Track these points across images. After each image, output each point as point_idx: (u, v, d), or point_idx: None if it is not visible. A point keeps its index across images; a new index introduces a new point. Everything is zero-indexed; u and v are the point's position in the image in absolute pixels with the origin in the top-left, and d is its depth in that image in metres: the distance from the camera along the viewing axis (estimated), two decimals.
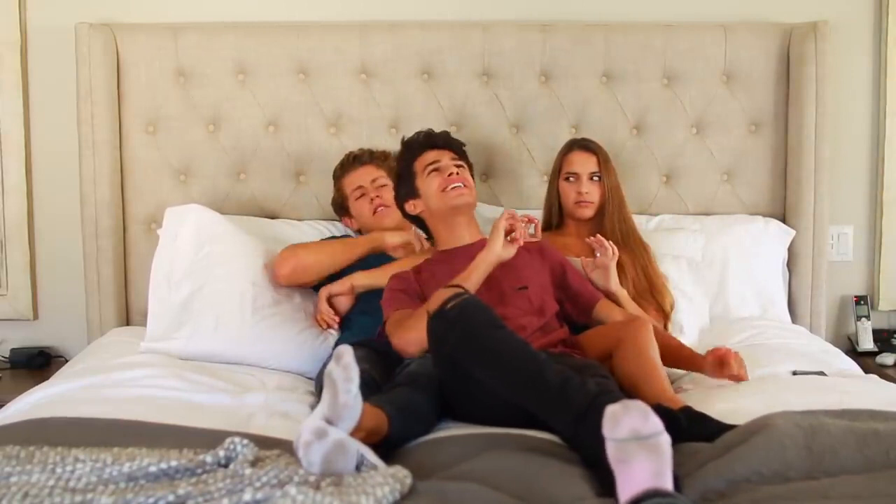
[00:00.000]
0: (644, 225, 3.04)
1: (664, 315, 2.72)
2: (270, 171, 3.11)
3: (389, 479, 1.58)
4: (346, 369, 1.72)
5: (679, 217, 3.14)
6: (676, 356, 2.42)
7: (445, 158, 2.56)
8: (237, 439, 1.76)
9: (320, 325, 2.73)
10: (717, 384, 2.42)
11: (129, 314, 3.09)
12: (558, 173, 2.83)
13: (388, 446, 1.89)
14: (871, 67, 3.24)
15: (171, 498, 1.56)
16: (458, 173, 2.53)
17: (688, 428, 1.88)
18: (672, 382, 2.50)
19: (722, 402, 2.19)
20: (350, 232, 2.99)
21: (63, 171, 3.13)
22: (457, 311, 2.00)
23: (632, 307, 2.61)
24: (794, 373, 2.45)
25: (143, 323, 2.77)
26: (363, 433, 1.79)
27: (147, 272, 2.78)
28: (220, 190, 3.09)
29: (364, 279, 2.70)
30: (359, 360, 1.77)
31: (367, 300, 2.67)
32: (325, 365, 2.49)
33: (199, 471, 1.69)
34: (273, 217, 3.11)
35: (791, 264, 3.15)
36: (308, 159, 3.11)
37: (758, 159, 3.17)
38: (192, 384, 2.34)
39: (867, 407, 2.00)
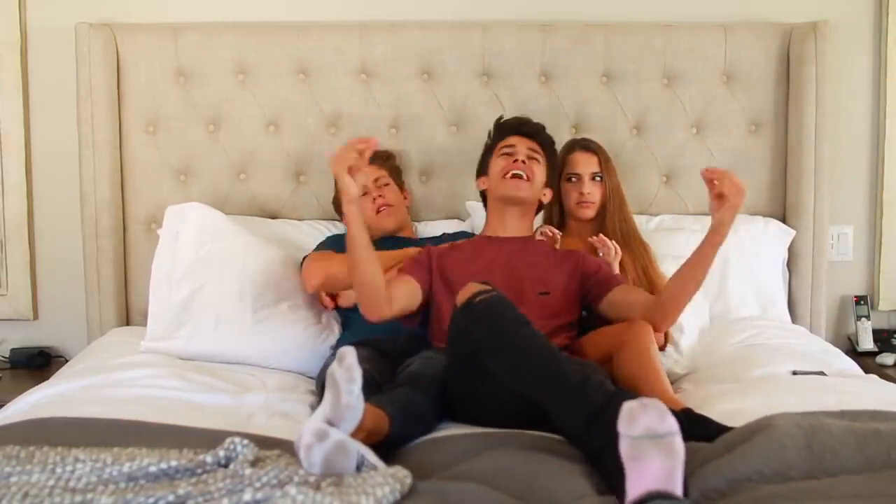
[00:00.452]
0: (644, 225, 3.04)
1: None
2: (270, 171, 3.11)
3: (389, 479, 1.58)
4: (349, 370, 1.72)
5: (679, 217, 3.14)
6: (685, 270, 2.36)
7: (523, 146, 2.60)
8: (237, 439, 1.76)
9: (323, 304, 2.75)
10: (717, 385, 2.42)
11: (129, 314, 3.10)
12: (559, 174, 2.83)
13: (388, 446, 1.89)
14: (871, 67, 3.24)
15: (171, 498, 1.56)
16: (524, 162, 2.56)
17: (688, 429, 1.88)
18: (672, 383, 2.50)
19: (722, 403, 2.19)
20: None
21: (63, 171, 3.13)
22: (484, 306, 2.01)
23: (636, 289, 2.60)
24: (794, 373, 2.45)
25: (143, 323, 2.77)
26: (364, 433, 1.79)
27: (147, 272, 2.78)
28: (220, 190, 3.09)
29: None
30: (360, 359, 1.77)
31: None
32: (325, 365, 2.51)
33: (199, 471, 1.69)
34: (273, 217, 3.11)
35: (791, 264, 3.15)
36: (308, 159, 3.11)
37: (758, 159, 3.17)
38: (192, 384, 2.33)
39: (867, 407, 2.00)
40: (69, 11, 3.07)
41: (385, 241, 2.83)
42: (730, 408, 2.14)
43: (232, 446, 1.74)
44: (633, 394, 1.92)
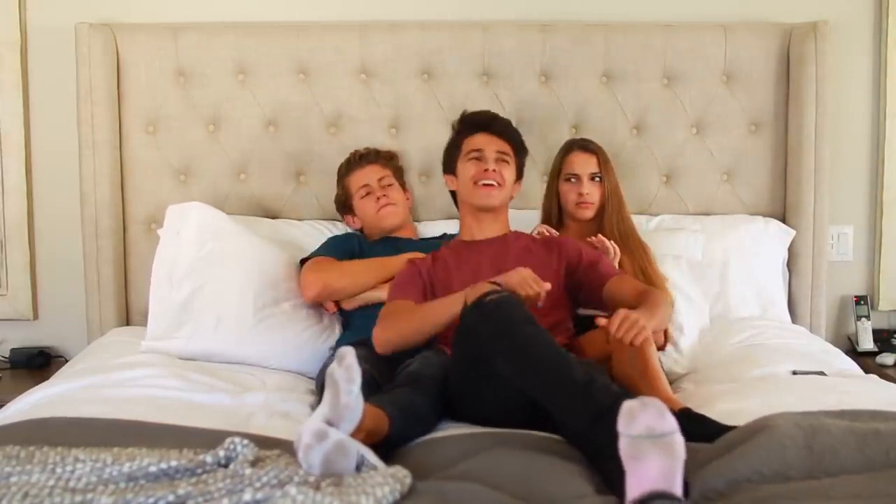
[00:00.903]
0: (644, 225, 3.04)
1: None
2: (270, 171, 3.11)
3: (389, 479, 1.58)
4: (349, 370, 1.72)
5: (679, 217, 3.14)
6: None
7: (491, 149, 2.55)
8: (237, 439, 1.76)
9: None
10: (717, 384, 2.42)
11: (129, 314, 3.10)
12: (558, 174, 2.83)
13: (388, 446, 1.89)
14: (871, 67, 3.24)
15: (171, 498, 1.56)
16: (495, 169, 2.52)
17: (687, 429, 1.88)
18: (671, 383, 2.50)
19: (722, 403, 2.19)
20: (349, 229, 2.99)
21: (63, 171, 3.13)
22: (494, 305, 2.01)
23: (630, 279, 2.60)
24: (794, 373, 2.45)
25: (143, 323, 2.77)
26: (364, 433, 1.79)
27: (147, 272, 2.78)
28: (220, 190, 3.09)
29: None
30: (359, 359, 1.77)
31: None
32: (325, 365, 2.51)
33: (199, 471, 1.69)
34: (273, 217, 3.11)
35: (791, 264, 3.15)
36: (308, 159, 3.11)
37: (758, 159, 3.17)
38: (192, 384, 2.33)
39: (867, 407, 2.00)
40: (69, 11, 3.08)
41: (385, 242, 2.84)
42: (729, 408, 2.14)
43: (232, 446, 1.74)
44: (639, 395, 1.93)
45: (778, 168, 3.17)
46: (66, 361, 2.88)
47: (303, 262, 2.81)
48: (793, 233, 3.11)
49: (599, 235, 2.66)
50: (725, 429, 1.91)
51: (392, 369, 2.37)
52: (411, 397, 2.05)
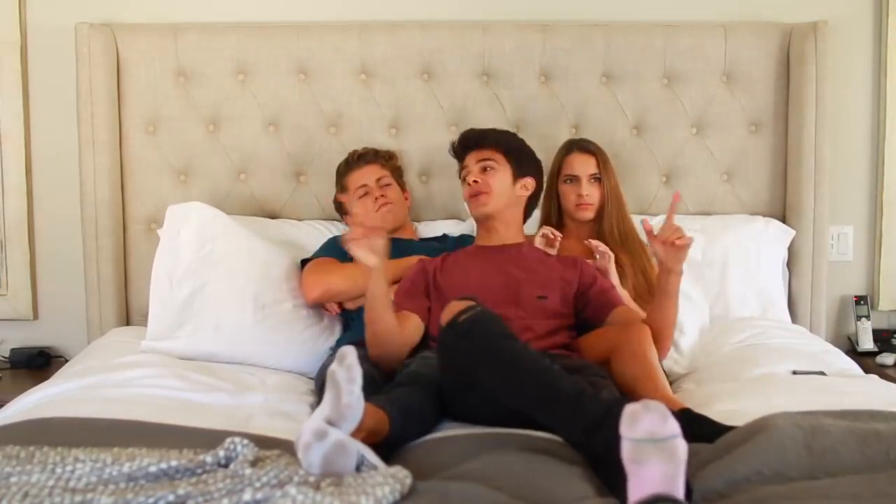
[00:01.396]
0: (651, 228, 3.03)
1: None
2: (270, 171, 3.11)
3: (389, 479, 1.58)
4: (350, 370, 1.72)
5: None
6: (658, 310, 2.38)
7: (472, 163, 2.58)
8: (237, 439, 1.75)
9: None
10: (717, 384, 2.42)
11: (129, 314, 3.10)
12: (557, 174, 2.83)
13: (388, 446, 1.89)
14: (871, 67, 3.24)
15: (171, 498, 1.56)
16: (477, 180, 2.54)
17: (688, 429, 1.88)
18: (671, 383, 2.50)
19: (721, 403, 2.19)
20: (349, 229, 2.99)
21: (63, 171, 3.13)
22: (469, 324, 1.99)
23: (633, 307, 2.61)
24: (794, 373, 2.45)
25: (143, 323, 2.77)
26: (364, 433, 1.79)
27: (147, 272, 2.78)
28: (220, 190, 3.09)
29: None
30: (360, 359, 1.77)
31: None
32: (324, 365, 2.51)
33: (199, 471, 1.69)
34: (273, 217, 3.11)
35: (791, 264, 3.15)
36: (308, 159, 3.11)
37: (758, 159, 3.17)
38: (192, 384, 2.33)
39: (867, 407, 2.00)
40: (69, 11, 3.08)
41: (391, 243, 2.82)
42: (729, 408, 2.14)
43: (232, 446, 1.74)
44: (631, 400, 1.92)
45: (778, 168, 3.17)
46: (66, 361, 2.88)
47: (304, 262, 2.81)
48: (793, 233, 3.11)
49: (593, 241, 2.65)
50: (725, 429, 1.91)
51: (392, 369, 2.37)
52: (411, 397, 2.05)
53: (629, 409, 1.52)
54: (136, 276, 3.07)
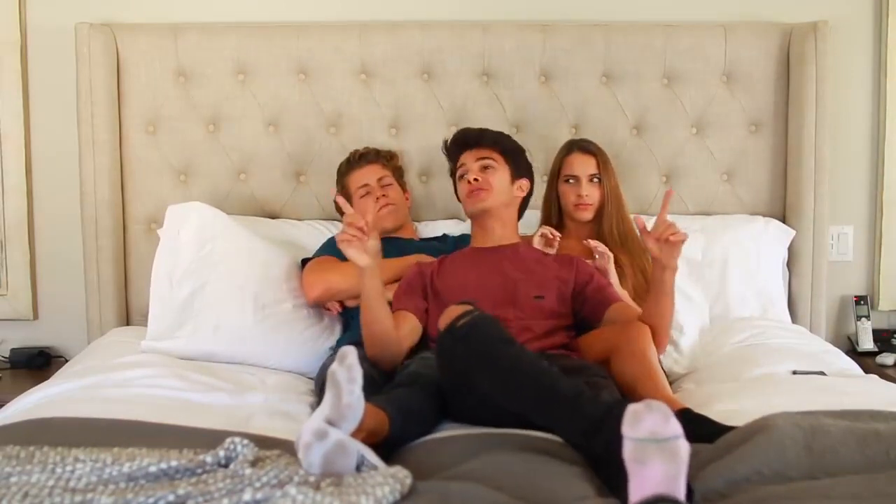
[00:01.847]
0: (644, 225, 3.03)
1: None
2: (270, 171, 3.11)
3: (389, 479, 1.58)
4: (350, 370, 1.72)
5: (679, 217, 3.13)
6: (654, 306, 2.37)
7: (471, 161, 2.58)
8: (237, 439, 1.75)
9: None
10: (717, 384, 2.42)
11: (129, 314, 3.10)
12: (557, 175, 2.83)
13: (388, 447, 1.89)
14: (871, 67, 3.24)
15: (171, 498, 1.56)
16: (477, 178, 2.53)
17: (688, 430, 1.88)
18: (671, 383, 2.50)
19: (721, 403, 2.19)
20: None
21: (63, 171, 3.13)
22: (467, 329, 1.98)
23: (630, 304, 2.61)
24: (794, 373, 2.45)
25: (143, 323, 2.77)
26: (364, 433, 1.79)
27: (147, 272, 2.78)
28: (220, 190, 3.09)
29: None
30: (360, 359, 1.77)
31: None
32: (324, 365, 2.51)
33: (199, 471, 1.69)
34: (273, 217, 3.11)
35: (791, 264, 3.15)
36: (308, 159, 3.11)
37: (758, 159, 3.17)
38: (192, 384, 2.33)
39: (867, 407, 2.00)
40: (69, 11, 3.08)
41: (386, 243, 2.83)
42: (729, 408, 2.14)
43: (232, 446, 1.74)
44: (629, 401, 1.92)
45: (778, 168, 3.17)
46: (66, 361, 2.88)
47: (304, 262, 2.81)
48: (793, 233, 3.11)
49: (592, 241, 2.65)
50: (726, 429, 1.91)
51: (392, 369, 2.37)
52: (411, 398, 2.05)
53: (631, 409, 1.52)
54: (136, 276, 3.07)
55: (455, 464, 1.76)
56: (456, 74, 3.10)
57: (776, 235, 3.10)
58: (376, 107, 3.11)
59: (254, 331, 2.65)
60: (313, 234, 3.00)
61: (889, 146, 3.23)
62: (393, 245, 2.81)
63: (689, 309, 2.81)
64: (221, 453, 1.73)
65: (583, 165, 2.79)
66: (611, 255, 2.63)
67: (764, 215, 3.16)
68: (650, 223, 3.07)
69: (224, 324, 2.63)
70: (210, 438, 1.84)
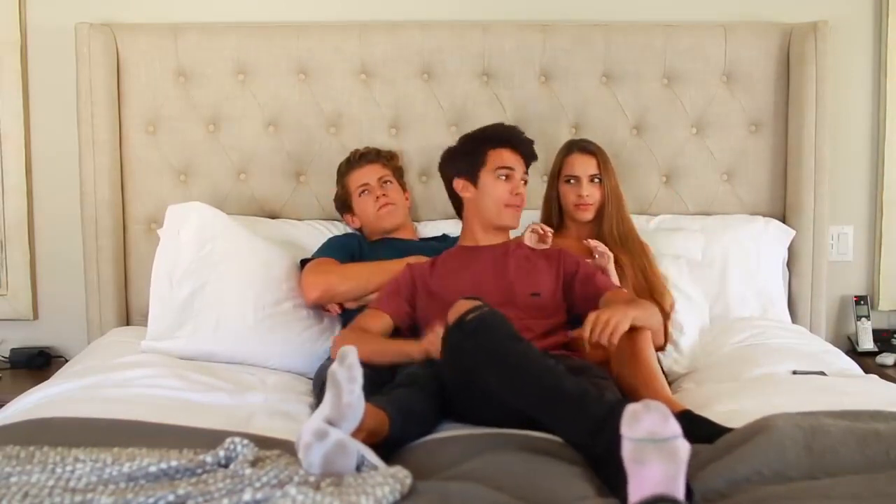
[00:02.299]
0: (644, 225, 3.04)
1: (664, 315, 2.72)
2: (270, 171, 3.11)
3: (389, 479, 1.58)
4: (350, 370, 1.72)
5: (679, 217, 3.14)
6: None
7: (520, 170, 2.55)
8: (237, 439, 1.75)
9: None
10: (717, 384, 2.42)
11: (129, 314, 3.10)
12: (558, 175, 2.83)
13: (388, 447, 1.88)
14: (871, 67, 3.25)
15: (171, 498, 1.56)
16: (520, 193, 2.53)
17: (688, 431, 1.87)
18: (671, 383, 2.50)
19: (721, 404, 2.19)
20: (349, 229, 2.99)
21: (63, 171, 3.13)
22: (475, 323, 1.98)
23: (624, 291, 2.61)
24: (794, 373, 2.45)
25: (143, 323, 2.77)
26: (364, 433, 1.79)
27: (147, 272, 2.78)
28: (220, 190, 3.09)
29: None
30: (360, 359, 1.76)
31: None
32: (323, 365, 2.51)
33: (199, 471, 1.69)
34: (273, 217, 3.11)
35: (791, 264, 3.15)
36: (308, 159, 3.11)
37: (758, 159, 3.17)
38: (192, 384, 2.33)
39: (867, 407, 2.00)
40: (69, 11, 3.08)
41: (385, 243, 2.83)
42: (729, 408, 2.14)
43: (232, 446, 1.74)
44: (632, 401, 1.92)
45: (778, 168, 3.17)
46: (66, 361, 2.87)
47: (303, 262, 2.81)
48: (793, 233, 3.11)
49: (592, 241, 2.65)
50: (725, 430, 1.91)
51: (392, 369, 2.37)
52: (411, 397, 2.05)
53: (630, 409, 1.52)
54: (136, 276, 3.07)
55: (455, 464, 1.76)
56: (456, 74, 3.10)
57: (776, 235, 3.10)
58: (376, 107, 3.11)
59: (254, 331, 2.65)
60: (313, 234, 3.00)
61: (889, 146, 3.23)
62: (392, 245, 2.81)
63: (689, 309, 2.81)
64: (221, 453, 1.73)
65: (583, 165, 2.79)
66: (610, 254, 2.63)
67: (764, 215, 3.16)
68: (652, 223, 3.09)
69: (224, 324, 2.64)
70: (210, 438, 1.84)
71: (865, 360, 3.05)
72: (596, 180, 2.79)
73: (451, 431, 2.03)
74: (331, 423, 1.68)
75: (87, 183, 3.02)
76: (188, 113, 3.08)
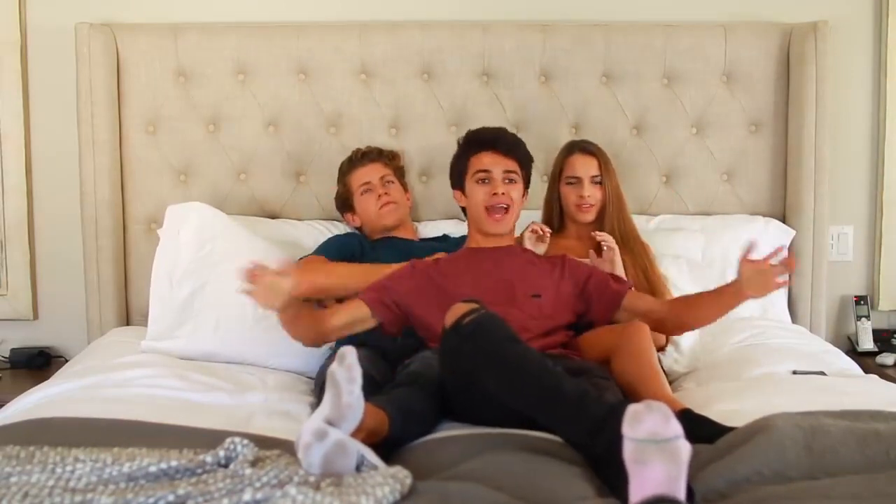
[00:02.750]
0: (644, 225, 3.04)
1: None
2: (270, 171, 3.11)
3: (389, 479, 1.58)
4: (350, 370, 1.72)
5: (679, 217, 3.14)
6: (702, 308, 2.38)
7: (499, 169, 2.49)
8: (237, 439, 1.76)
9: None
10: (717, 384, 2.42)
11: (129, 314, 3.10)
12: (558, 176, 2.83)
13: (388, 446, 1.88)
14: (871, 67, 3.25)
15: (171, 498, 1.56)
16: (504, 192, 2.47)
17: (688, 430, 1.88)
18: (671, 383, 2.50)
19: (721, 404, 2.19)
20: (348, 229, 2.99)
21: (63, 171, 3.13)
22: (473, 326, 1.98)
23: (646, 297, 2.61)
24: (795, 373, 2.45)
25: (143, 323, 2.77)
26: (364, 433, 1.79)
27: (147, 272, 2.78)
28: (220, 190, 3.09)
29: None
30: (360, 359, 1.77)
31: None
32: (323, 365, 2.51)
33: (199, 471, 1.69)
34: (273, 217, 3.11)
35: None
36: (308, 159, 3.11)
37: (758, 159, 3.17)
38: (192, 384, 2.33)
39: (867, 407, 2.00)
40: (69, 11, 3.08)
41: (386, 242, 2.83)
42: (729, 408, 2.14)
43: (232, 446, 1.74)
44: (633, 402, 1.92)
45: (778, 168, 3.17)
46: (66, 361, 2.88)
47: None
48: (793, 233, 3.11)
49: (598, 233, 2.66)
50: (726, 430, 1.91)
51: (392, 369, 2.37)
52: (411, 397, 2.04)
53: (632, 410, 1.52)
54: (136, 276, 3.07)
55: (455, 464, 1.76)
56: (456, 74, 3.10)
57: (776, 235, 3.10)
58: (376, 107, 3.11)
59: (254, 331, 2.65)
60: (313, 234, 3.00)
61: (889, 146, 3.23)
62: (393, 244, 2.81)
63: None
64: (221, 453, 1.73)
65: (585, 166, 2.79)
66: (616, 247, 2.63)
67: (764, 215, 3.16)
68: (652, 223, 3.09)
69: (224, 323, 2.64)
70: (210, 438, 1.84)
71: (865, 360, 3.04)
72: (597, 181, 2.78)
73: (451, 431, 2.03)
74: (330, 423, 1.68)
75: (87, 183, 3.02)
76: (188, 113, 3.08)
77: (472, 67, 3.10)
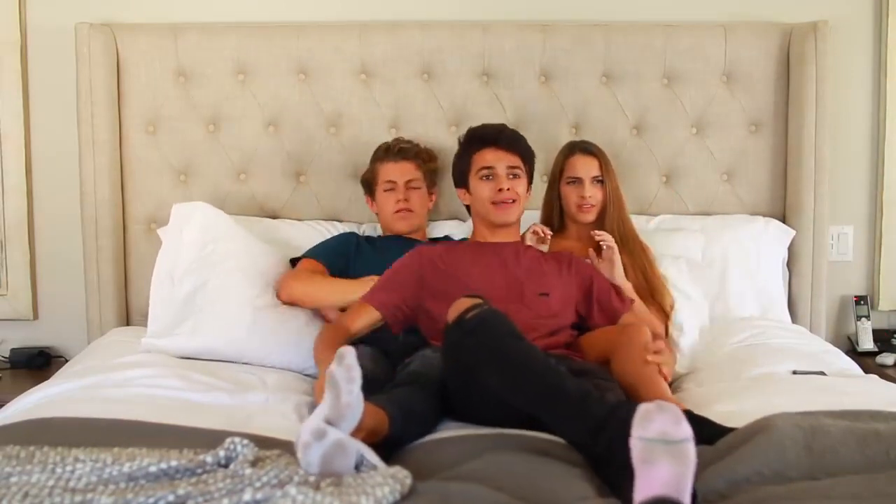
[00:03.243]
0: (644, 225, 3.04)
1: (664, 316, 2.72)
2: (270, 171, 3.11)
3: (389, 479, 1.58)
4: (349, 370, 1.72)
5: (679, 217, 3.14)
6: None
7: (502, 165, 2.53)
8: (237, 439, 1.75)
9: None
10: (717, 384, 2.42)
11: (129, 314, 3.10)
12: (559, 176, 2.83)
13: (388, 446, 1.89)
14: (871, 67, 3.24)
15: (171, 498, 1.56)
16: (509, 188, 2.50)
17: None
18: (672, 383, 2.50)
19: (721, 404, 2.19)
20: (348, 229, 2.99)
21: (63, 171, 3.13)
22: (476, 322, 1.98)
23: (637, 300, 2.61)
24: (794, 372, 2.45)
25: (144, 323, 2.77)
26: (364, 433, 1.79)
27: (147, 272, 2.78)
28: (220, 190, 3.09)
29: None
30: (360, 358, 1.77)
31: None
32: None
33: (199, 471, 1.69)
34: (273, 217, 3.11)
35: (791, 264, 3.15)
36: (308, 159, 3.11)
37: (758, 159, 3.17)
38: (192, 383, 2.33)
39: (867, 407, 2.00)
40: (69, 11, 3.08)
41: (394, 241, 2.83)
42: (729, 408, 2.14)
43: (232, 446, 1.74)
44: (635, 403, 1.92)
45: (778, 168, 3.17)
46: (66, 361, 2.88)
47: (293, 261, 2.82)
48: (793, 233, 3.11)
49: (598, 231, 2.66)
50: (726, 431, 1.91)
51: (392, 368, 2.37)
52: (411, 397, 2.05)
53: (643, 409, 1.52)
54: (136, 276, 3.07)
55: (455, 464, 1.76)
56: (456, 74, 3.10)
57: (776, 235, 3.10)
58: (376, 107, 3.11)
59: (254, 330, 2.64)
60: (313, 234, 3.00)
61: (889, 146, 3.23)
62: (398, 243, 2.80)
63: (689, 309, 2.81)
64: (221, 453, 1.73)
65: (585, 167, 2.79)
66: (616, 247, 2.64)
67: (764, 215, 3.16)
68: (652, 223, 3.09)
69: (224, 322, 2.63)
70: (210, 438, 1.84)
71: (865, 360, 3.04)
72: (598, 181, 2.79)
73: (451, 431, 2.03)
74: (330, 422, 1.68)
75: (87, 183, 3.02)
76: (188, 113, 3.08)
77: (472, 67, 3.10)
